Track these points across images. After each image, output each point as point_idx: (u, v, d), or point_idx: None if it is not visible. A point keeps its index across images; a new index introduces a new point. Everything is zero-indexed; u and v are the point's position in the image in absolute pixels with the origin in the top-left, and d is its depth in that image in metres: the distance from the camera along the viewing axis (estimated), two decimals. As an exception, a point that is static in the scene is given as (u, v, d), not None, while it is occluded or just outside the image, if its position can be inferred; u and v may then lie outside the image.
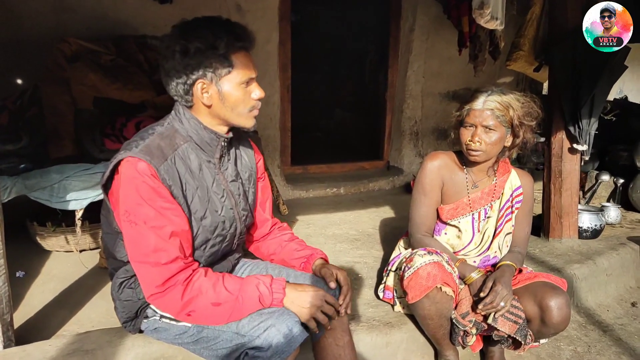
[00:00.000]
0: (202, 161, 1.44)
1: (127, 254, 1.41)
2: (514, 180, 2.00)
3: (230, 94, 1.38)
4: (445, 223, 2.00)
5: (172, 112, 1.46)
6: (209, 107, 1.39)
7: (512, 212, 1.99)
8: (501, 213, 1.98)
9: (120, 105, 2.58)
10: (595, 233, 3.00)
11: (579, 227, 2.96)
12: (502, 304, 1.70)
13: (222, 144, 1.47)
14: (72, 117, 2.54)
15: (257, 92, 1.43)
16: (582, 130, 2.71)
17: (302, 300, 1.38)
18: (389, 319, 2.01)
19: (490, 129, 1.80)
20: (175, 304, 1.33)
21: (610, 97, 4.34)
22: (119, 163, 1.33)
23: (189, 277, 1.34)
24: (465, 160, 1.96)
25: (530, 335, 1.77)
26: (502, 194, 1.99)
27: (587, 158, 2.85)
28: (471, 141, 1.82)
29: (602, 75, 2.61)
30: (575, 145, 2.78)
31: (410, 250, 1.97)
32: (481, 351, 2.05)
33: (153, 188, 1.30)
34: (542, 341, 2.02)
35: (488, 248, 1.99)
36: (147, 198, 1.30)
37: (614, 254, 2.77)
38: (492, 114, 1.79)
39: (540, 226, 3.04)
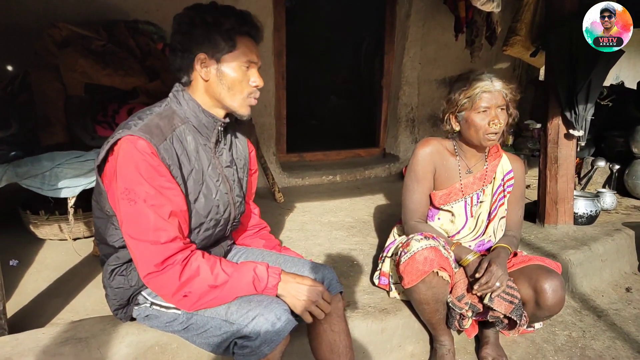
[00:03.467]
0: (199, 144, 1.44)
1: (119, 238, 1.40)
2: (505, 164, 2.01)
3: (229, 72, 1.40)
4: (439, 208, 2.01)
5: (170, 94, 1.46)
6: (206, 81, 1.40)
7: (504, 197, 2.00)
8: (494, 197, 1.99)
9: (112, 91, 2.54)
10: (590, 219, 3.00)
11: (575, 213, 2.96)
12: (497, 284, 1.71)
13: (219, 128, 1.47)
14: (62, 104, 2.49)
15: (255, 78, 1.44)
16: (578, 116, 2.70)
17: (299, 292, 1.39)
18: (385, 305, 2.01)
19: (502, 108, 1.82)
20: (172, 284, 1.31)
21: (607, 83, 4.32)
22: (116, 142, 1.31)
23: (187, 258, 1.33)
24: (457, 145, 1.96)
25: (525, 316, 1.77)
26: (494, 178, 2.00)
27: (583, 144, 2.84)
28: (492, 123, 1.79)
29: (598, 61, 2.59)
30: (571, 131, 2.77)
31: (405, 236, 1.97)
32: (476, 337, 2.06)
33: (153, 166, 1.29)
34: (537, 326, 2.04)
35: (483, 233, 1.99)
36: (147, 176, 1.28)
37: (609, 240, 2.77)
38: (501, 93, 1.81)
39: (536, 212, 3.04)
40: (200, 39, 1.36)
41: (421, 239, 1.76)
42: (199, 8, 1.38)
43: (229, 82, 1.40)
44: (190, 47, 1.37)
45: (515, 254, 1.97)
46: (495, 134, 1.82)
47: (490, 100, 1.79)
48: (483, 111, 1.81)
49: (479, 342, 2.03)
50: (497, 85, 1.81)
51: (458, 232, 2.00)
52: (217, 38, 1.36)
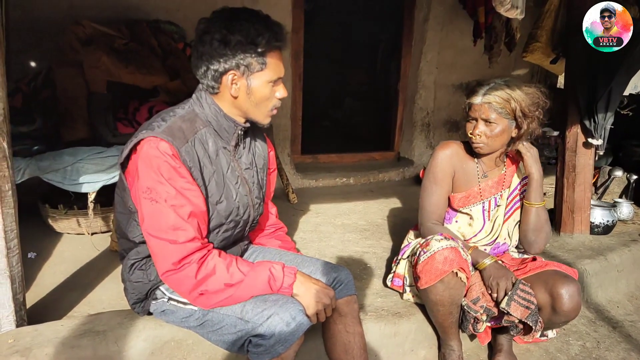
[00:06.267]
0: (219, 147, 1.45)
1: (140, 234, 1.42)
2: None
3: (258, 90, 1.39)
4: (457, 211, 2.01)
5: (194, 95, 1.47)
6: (234, 98, 1.40)
7: (520, 200, 2.01)
8: (509, 199, 2.00)
9: (133, 89, 2.58)
10: (607, 229, 2.97)
11: (591, 222, 2.93)
12: (507, 285, 1.75)
13: (239, 132, 1.49)
14: (85, 101, 2.54)
15: (281, 91, 1.45)
16: (597, 125, 2.68)
17: (313, 293, 1.39)
18: (398, 309, 2.00)
19: (490, 122, 1.82)
20: (189, 282, 1.33)
21: (626, 92, 4.27)
22: (138, 142, 1.33)
23: (204, 257, 1.35)
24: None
25: (540, 321, 1.76)
26: (512, 182, 2.01)
27: (601, 153, 2.81)
28: (472, 134, 1.86)
29: (619, 69, 2.57)
30: (590, 140, 2.75)
31: (422, 238, 1.97)
32: (489, 345, 2.05)
33: (174, 168, 1.31)
34: (551, 335, 2.02)
35: (498, 235, 2.00)
36: (168, 177, 1.31)
37: (625, 250, 2.74)
38: (491, 108, 1.81)
39: (552, 220, 3.01)
40: (232, 58, 1.33)
41: (441, 239, 1.76)
42: (231, 25, 1.32)
43: (258, 99, 1.41)
44: (221, 63, 1.34)
45: (534, 259, 1.97)
46: (478, 143, 1.86)
47: (475, 113, 1.84)
48: (469, 121, 1.88)
49: (492, 349, 2.02)
50: (487, 98, 1.80)
51: (475, 235, 2.00)
52: (249, 58, 1.34)
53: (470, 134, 1.87)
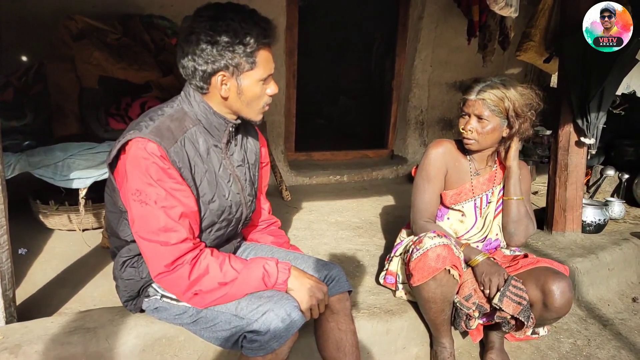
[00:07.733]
0: (210, 145, 1.43)
1: (131, 233, 1.40)
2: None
3: (249, 89, 1.37)
4: (449, 208, 2.02)
5: (182, 93, 1.44)
6: (225, 99, 1.38)
7: None
8: (499, 195, 2.02)
9: (126, 85, 2.56)
10: (598, 227, 2.99)
11: (583, 221, 2.95)
12: (500, 281, 1.76)
13: (230, 129, 1.47)
14: (76, 96, 2.52)
15: (272, 88, 1.42)
16: (590, 124, 2.69)
17: (307, 288, 1.39)
18: (390, 306, 2.01)
19: (482, 118, 1.85)
20: (182, 283, 1.32)
21: (618, 92, 4.30)
22: (126, 143, 1.31)
23: (197, 257, 1.34)
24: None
25: (532, 317, 1.77)
26: (502, 179, 2.03)
27: (594, 152, 2.83)
28: (464, 129, 1.88)
29: (612, 69, 2.58)
30: (582, 139, 2.77)
31: (415, 236, 1.97)
32: (481, 342, 2.06)
33: (163, 169, 1.30)
34: (542, 333, 2.03)
35: (489, 232, 2.02)
36: (157, 179, 1.29)
37: (616, 249, 2.76)
38: (484, 104, 1.83)
39: (544, 219, 3.03)
40: (220, 59, 1.30)
41: (434, 236, 1.76)
42: (217, 25, 1.28)
43: (249, 97, 1.38)
44: (209, 64, 1.31)
45: (525, 255, 1.98)
46: (469, 139, 1.89)
47: (468, 108, 1.87)
48: (462, 116, 1.91)
49: (484, 347, 2.02)
50: (482, 94, 1.83)
51: (467, 232, 2.01)
52: (238, 58, 1.31)
53: (462, 129, 1.89)
